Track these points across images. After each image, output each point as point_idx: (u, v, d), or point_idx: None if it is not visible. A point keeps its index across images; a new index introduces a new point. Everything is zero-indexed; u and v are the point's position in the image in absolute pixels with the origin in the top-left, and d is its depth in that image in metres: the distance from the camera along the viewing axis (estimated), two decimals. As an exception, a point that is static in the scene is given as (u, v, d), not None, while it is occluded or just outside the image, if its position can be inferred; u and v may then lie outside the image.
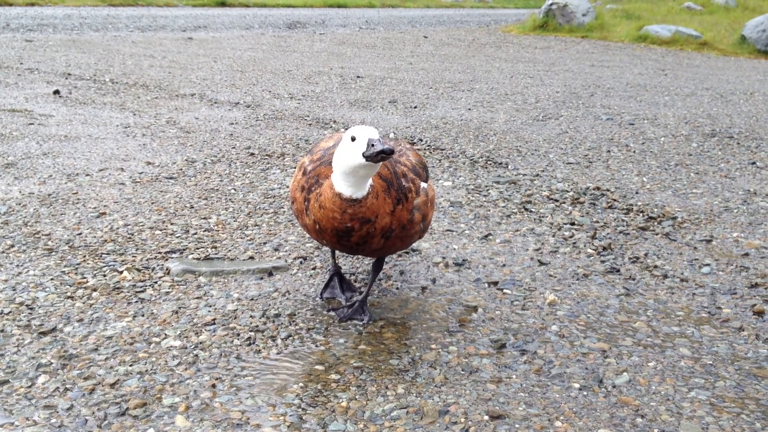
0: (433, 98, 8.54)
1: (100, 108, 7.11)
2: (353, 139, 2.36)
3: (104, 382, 2.33)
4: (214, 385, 2.34)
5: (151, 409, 2.20)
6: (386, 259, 3.47)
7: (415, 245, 3.66)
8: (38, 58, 10.36)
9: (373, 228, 2.49)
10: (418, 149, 5.83)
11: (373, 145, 2.31)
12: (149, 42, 13.32)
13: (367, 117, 7.14)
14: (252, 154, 5.46)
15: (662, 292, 3.21)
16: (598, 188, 4.79)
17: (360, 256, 3.45)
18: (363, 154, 2.32)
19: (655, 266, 3.51)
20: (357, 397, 2.31)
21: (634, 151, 6.00)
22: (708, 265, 3.54)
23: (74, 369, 2.41)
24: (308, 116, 7.11)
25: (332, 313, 2.89)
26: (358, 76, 10.10)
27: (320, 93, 8.60)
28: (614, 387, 2.41)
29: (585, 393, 2.37)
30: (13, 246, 3.47)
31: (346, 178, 2.41)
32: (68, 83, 8.42)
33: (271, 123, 6.75)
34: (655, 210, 4.38)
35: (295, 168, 3.75)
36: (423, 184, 2.69)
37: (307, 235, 3.06)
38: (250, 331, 2.73)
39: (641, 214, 4.29)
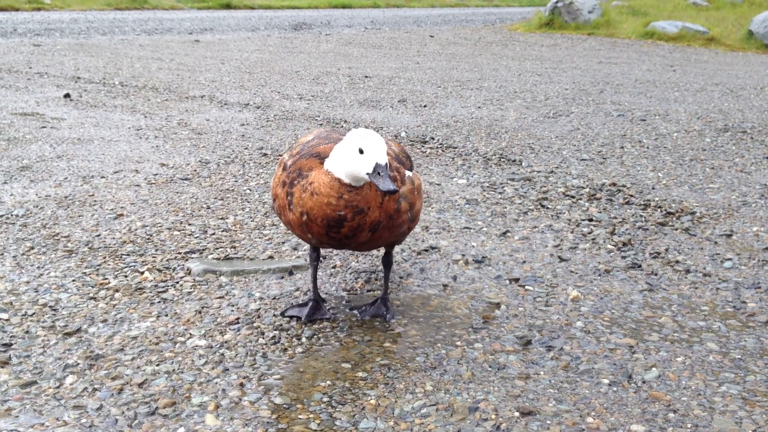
0: (442, 97, 8.53)
1: (111, 111, 7.12)
2: (361, 151, 2.31)
3: (132, 381, 2.33)
4: (242, 384, 2.33)
5: (180, 408, 2.20)
6: (407, 259, 3.46)
7: (432, 242, 3.65)
8: (47, 62, 10.38)
9: (364, 220, 2.43)
10: (430, 147, 5.83)
11: (380, 174, 2.28)
12: (156, 45, 13.34)
13: (377, 116, 7.13)
14: (265, 154, 5.45)
15: (686, 287, 3.20)
16: (614, 184, 4.77)
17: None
18: (368, 173, 2.30)
19: (677, 261, 3.49)
20: (385, 394, 2.30)
21: (648, 147, 5.98)
22: (730, 259, 3.52)
23: (101, 369, 2.40)
24: (318, 116, 7.11)
25: (354, 312, 2.88)
26: (366, 76, 10.09)
27: (329, 93, 8.59)
28: (644, 382, 2.40)
29: (615, 389, 2.36)
30: (33, 248, 3.47)
31: (344, 176, 2.39)
32: (78, 87, 8.44)
33: (282, 123, 6.75)
34: (673, 205, 4.36)
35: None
36: (408, 173, 2.64)
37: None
38: (275, 329, 2.72)
39: (659, 210, 4.27)
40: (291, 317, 2.81)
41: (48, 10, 20.33)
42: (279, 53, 12.75)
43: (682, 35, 16.45)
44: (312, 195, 2.43)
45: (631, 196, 4.53)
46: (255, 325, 2.75)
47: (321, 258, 3.23)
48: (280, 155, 5.44)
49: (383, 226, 2.49)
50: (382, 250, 3.31)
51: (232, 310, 2.87)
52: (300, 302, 2.92)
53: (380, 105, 7.83)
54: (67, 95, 7.73)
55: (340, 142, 2.43)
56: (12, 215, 3.92)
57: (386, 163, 2.31)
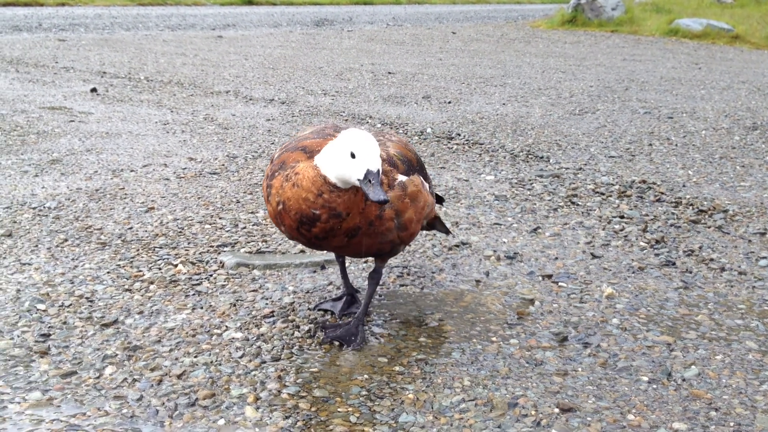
0: (466, 93, 8.50)
1: (137, 105, 7.15)
2: (353, 155, 2.17)
3: (171, 373, 2.34)
4: (280, 377, 2.34)
5: (220, 400, 2.20)
6: (438, 255, 3.45)
7: (463, 238, 3.64)
8: (72, 57, 10.45)
9: (339, 225, 2.28)
10: (456, 144, 5.81)
11: (370, 181, 2.14)
12: (180, 40, 13.40)
13: (402, 112, 7.12)
14: (335, 125, 5.45)
15: (721, 286, 3.17)
16: (644, 181, 4.74)
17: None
18: (359, 179, 2.17)
19: (711, 259, 3.46)
20: (423, 389, 2.30)
21: (676, 145, 5.93)
22: (765, 258, 3.48)
23: (140, 360, 2.42)
24: (344, 112, 7.10)
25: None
26: (390, 72, 10.08)
27: (353, 89, 8.59)
28: (684, 380, 2.38)
29: (654, 386, 2.34)
30: (66, 240, 3.49)
31: (333, 177, 2.24)
32: (104, 81, 8.49)
33: (307, 119, 6.76)
34: (705, 203, 4.32)
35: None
36: (400, 177, 2.44)
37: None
38: (310, 323, 2.73)
39: (691, 207, 4.23)
40: (325, 311, 2.81)
41: (72, 5, 20.48)
42: (302, 49, 12.76)
43: (707, 33, 16.30)
44: (293, 186, 2.29)
45: (662, 193, 4.49)
46: (290, 318, 2.75)
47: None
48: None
49: (363, 232, 2.33)
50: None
51: (267, 304, 2.87)
52: (333, 296, 2.91)
53: (404, 101, 7.82)
54: (93, 90, 7.77)
55: (333, 140, 2.28)
56: (45, 207, 3.95)
57: (378, 170, 2.16)
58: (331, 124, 2.60)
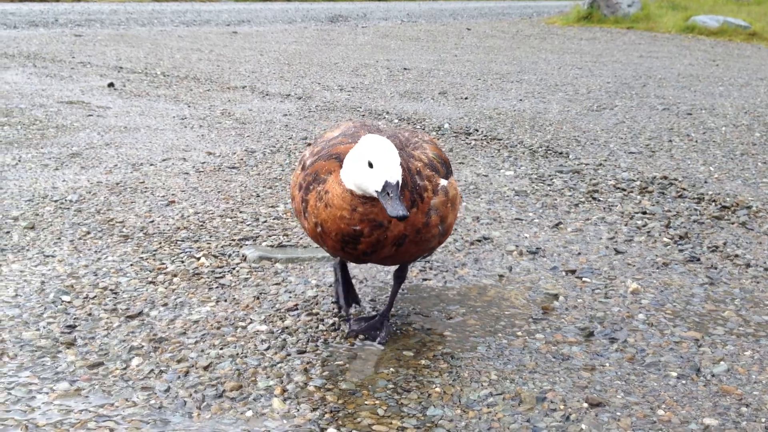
0: (483, 89, 8.47)
1: (154, 100, 7.17)
2: (370, 165, 2.07)
3: (197, 364, 2.34)
4: (306, 369, 2.33)
5: (247, 392, 2.20)
6: (460, 249, 3.44)
7: (485, 233, 3.62)
8: (89, 52, 10.49)
9: (385, 235, 2.18)
10: (474, 139, 5.79)
11: (389, 194, 2.02)
12: (195, 36, 13.43)
13: (419, 108, 7.11)
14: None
15: (747, 282, 3.14)
16: (665, 177, 4.70)
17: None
18: (376, 191, 2.06)
19: (736, 255, 3.43)
20: (450, 382, 2.28)
21: (696, 141, 5.89)
22: (790, 254, 3.45)
23: (166, 352, 2.42)
24: (360, 107, 7.10)
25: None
26: (405, 68, 10.06)
27: (369, 85, 8.58)
28: (713, 376, 2.35)
29: (684, 382, 2.32)
30: (89, 233, 3.50)
31: (354, 187, 2.15)
32: (121, 76, 8.51)
33: (324, 114, 6.75)
34: (728, 199, 4.28)
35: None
36: (442, 182, 2.35)
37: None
38: (334, 316, 2.72)
39: (713, 204, 4.20)
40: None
41: (88, 1, 20.55)
42: (317, 45, 12.76)
43: (724, 30, 16.19)
44: (326, 206, 2.19)
45: (684, 189, 4.46)
46: (314, 311, 2.75)
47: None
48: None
49: (410, 240, 2.24)
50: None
51: (290, 297, 2.87)
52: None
53: (421, 97, 7.80)
54: (111, 84, 7.80)
55: (353, 149, 2.16)
56: (66, 200, 3.96)
57: (398, 182, 2.04)
58: (363, 123, 2.51)
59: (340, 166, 2.22)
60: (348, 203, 2.15)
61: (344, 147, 2.29)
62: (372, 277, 3.09)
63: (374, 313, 2.74)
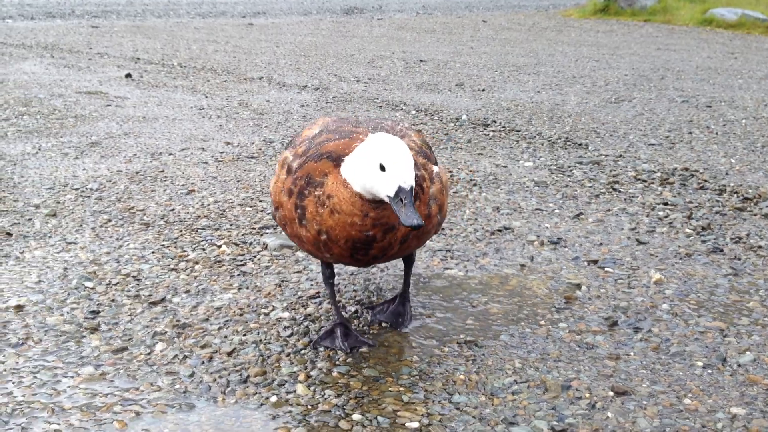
0: (500, 81, 8.44)
1: (172, 91, 7.18)
2: (382, 168, 1.92)
3: (221, 350, 2.34)
4: (329, 356, 2.33)
5: (271, 378, 2.20)
6: (481, 239, 3.43)
7: (505, 223, 3.61)
8: (106, 43, 10.52)
9: (395, 237, 2.08)
10: (493, 130, 5.76)
11: (402, 201, 1.88)
12: (211, 28, 13.44)
13: (436, 99, 7.08)
14: (345, 118, 5.44)
15: (771, 273, 3.11)
16: (686, 169, 4.67)
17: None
18: (389, 196, 1.92)
19: (760, 246, 3.39)
20: (475, 370, 2.28)
21: (717, 133, 5.83)
22: (815, 245, 3.41)
23: (189, 338, 2.42)
24: (377, 99, 7.08)
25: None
26: (421, 60, 10.03)
27: (385, 76, 8.56)
28: (739, 366, 2.33)
29: (710, 371, 2.30)
30: (110, 221, 3.51)
31: (361, 190, 2.01)
32: (138, 67, 8.53)
33: (341, 105, 6.74)
34: (750, 191, 4.24)
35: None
36: (435, 168, 2.26)
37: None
38: (356, 304, 2.71)
39: (735, 195, 4.16)
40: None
41: (103, -7, 20.60)
42: (332, 37, 12.74)
43: (742, 23, 16.03)
44: (332, 213, 2.03)
45: (705, 181, 4.42)
46: (336, 299, 2.74)
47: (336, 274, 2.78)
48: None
49: (413, 235, 2.15)
50: None
51: (312, 285, 2.87)
52: (326, 329, 2.44)
53: (438, 88, 7.78)
54: (128, 75, 7.82)
55: (361, 145, 2.02)
56: (87, 189, 3.98)
57: (412, 187, 1.90)
58: (340, 117, 2.38)
59: (335, 166, 2.07)
60: (359, 209, 2.00)
61: (334, 144, 2.13)
62: (393, 265, 3.08)
63: (392, 296, 2.71)
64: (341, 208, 2.01)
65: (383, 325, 2.55)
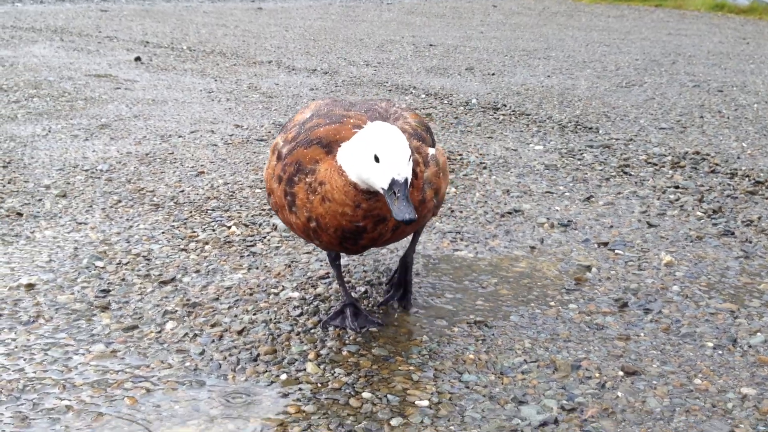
0: (510, 66, 8.39)
1: (181, 74, 7.18)
2: (377, 159, 1.86)
3: (231, 329, 2.35)
4: (339, 335, 2.33)
5: (281, 356, 2.21)
6: (491, 221, 3.42)
7: (515, 205, 3.60)
8: (115, 27, 10.51)
9: (386, 227, 2.03)
10: (503, 114, 5.74)
11: (395, 194, 1.82)
12: (220, 12, 13.41)
13: (445, 83, 7.06)
14: (337, 101, 5.43)
15: (783, 255, 3.09)
16: (697, 153, 4.64)
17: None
18: (383, 188, 1.85)
19: (771, 230, 3.38)
20: (484, 350, 2.28)
21: (728, 117, 5.79)
22: (827, 229, 3.39)
23: (199, 316, 2.43)
24: (387, 82, 7.06)
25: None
26: (431, 45, 9.99)
27: (395, 60, 8.53)
28: (750, 347, 2.33)
29: (720, 352, 2.29)
30: (120, 201, 3.52)
31: (356, 179, 1.95)
32: (147, 51, 8.52)
33: (351, 89, 6.72)
34: (761, 174, 4.22)
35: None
36: (431, 151, 2.18)
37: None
38: (365, 284, 2.72)
39: (747, 179, 4.14)
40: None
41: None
42: (341, 21, 12.70)
43: (754, 8, 15.89)
44: (323, 200, 1.97)
45: (717, 164, 4.40)
46: (345, 279, 2.74)
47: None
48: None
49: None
50: None
51: (321, 265, 2.87)
52: (336, 309, 2.42)
53: (447, 72, 7.74)
54: (137, 58, 7.81)
55: (359, 133, 1.95)
56: (96, 170, 3.98)
57: (407, 180, 1.84)
58: (334, 100, 2.32)
59: (326, 153, 2.01)
60: (351, 199, 1.94)
61: (324, 130, 2.07)
62: (403, 247, 3.08)
63: (395, 276, 2.61)
64: (333, 197, 1.96)
65: (394, 306, 2.54)
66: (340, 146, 1.99)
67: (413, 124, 2.21)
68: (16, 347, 2.21)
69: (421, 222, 2.18)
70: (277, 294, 2.61)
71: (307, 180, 2.01)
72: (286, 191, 2.06)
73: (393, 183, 1.82)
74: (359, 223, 1.97)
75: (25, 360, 2.14)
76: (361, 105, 2.27)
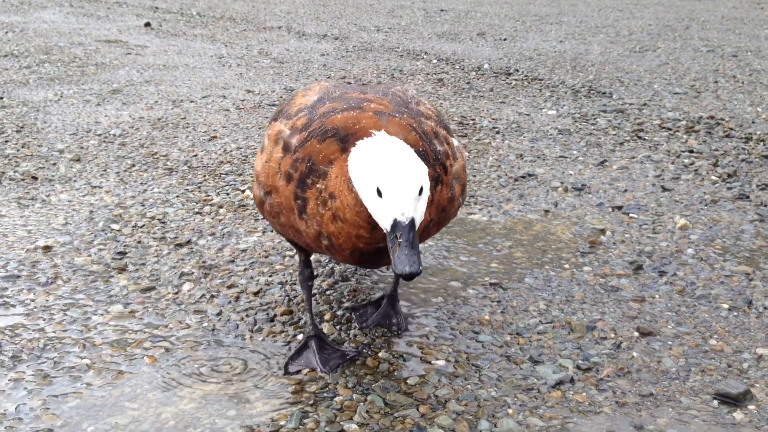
0: (522, 31, 8.32)
1: (191, 40, 7.15)
2: (379, 193, 1.50)
3: (247, 290, 2.36)
4: (354, 297, 2.34)
5: (297, 317, 2.22)
6: (504, 185, 3.42)
7: (529, 169, 3.59)
8: (124, -7, 10.45)
9: None
10: (515, 79, 5.70)
11: (397, 238, 1.48)
12: (228, -23, 13.30)
13: (457, 49, 7.00)
14: (348, 83, 5.41)
15: (798, 219, 3.08)
16: (711, 117, 4.60)
17: None
18: (386, 229, 1.52)
19: (787, 194, 3.36)
20: (500, 311, 2.28)
21: (743, 82, 5.74)
22: (843, 193, 3.37)
23: (216, 278, 2.44)
24: (398, 48, 7.01)
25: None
26: (442, 10, 9.90)
27: (406, 26, 8.47)
28: (765, 308, 2.33)
29: (735, 313, 2.30)
30: (134, 165, 3.53)
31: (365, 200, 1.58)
32: (157, 16, 8.48)
33: (361, 54, 6.69)
34: (777, 139, 4.18)
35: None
36: (455, 141, 1.88)
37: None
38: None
39: (762, 143, 4.11)
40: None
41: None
42: (351, -13, 12.58)
43: (770, -28, 15.64)
44: (334, 219, 1.63)
45: (731, 129, 4.36)
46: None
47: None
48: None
49: (435, 223, 1.78)
50: None
51: (336, 228, 2.87)
52: (297, 347, 2.03)
53: (459, 38, 7.68)
54: (147, 24, 7.78)
55: (365, 145, 1.60)
56: (110, 135, 3.99)
57: (412, 220, 1.49)
58: (352, 84, 2.02)
59: (341, 150, 1.67)
60: (365, 220, 1.59)
61: (342, 118, 1.74)
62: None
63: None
64: (345, 216, 1.61)
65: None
66: (355, 144, 1.63)
67: (435, 110, 1.92)
68: (35, 308, 2.23)
69: (445, 223, 1.88)
70: (292, 257, 2.62)
71: (318, 186, 1.67)
72: (297, 194, 1.70)
73: (395, 225, 1.49)
74: (380, 244, 1.62)
75: (44, 320, 2.16)
76: (376, 89, 1.95)
